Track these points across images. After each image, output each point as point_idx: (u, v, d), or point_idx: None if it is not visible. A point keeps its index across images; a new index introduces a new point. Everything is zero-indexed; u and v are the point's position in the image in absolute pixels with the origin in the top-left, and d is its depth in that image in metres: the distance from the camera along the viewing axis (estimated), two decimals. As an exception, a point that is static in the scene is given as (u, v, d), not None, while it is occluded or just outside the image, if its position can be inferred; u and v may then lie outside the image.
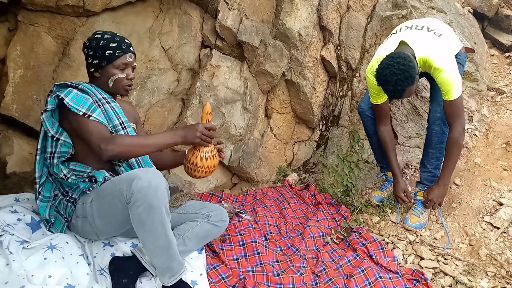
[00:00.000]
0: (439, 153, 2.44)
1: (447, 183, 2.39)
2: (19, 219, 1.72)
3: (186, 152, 1.84)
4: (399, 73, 2.03)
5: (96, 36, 1.83)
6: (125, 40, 1.86)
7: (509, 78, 3.88)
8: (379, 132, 2.54)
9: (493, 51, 4.31)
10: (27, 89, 2.36)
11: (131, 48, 1.86)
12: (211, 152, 1.79)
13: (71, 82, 1.77)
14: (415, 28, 2.36)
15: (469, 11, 4.24)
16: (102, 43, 1.79)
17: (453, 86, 2.16)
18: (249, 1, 2.96)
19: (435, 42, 2.27)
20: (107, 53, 1.78)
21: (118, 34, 1.87)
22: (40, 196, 1.76)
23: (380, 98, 2.41)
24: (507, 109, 3.48)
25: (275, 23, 3.03)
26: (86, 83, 1.84)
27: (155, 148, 1.72)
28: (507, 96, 3.62)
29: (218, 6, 2.88)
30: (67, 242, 1.65)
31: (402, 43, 2.28)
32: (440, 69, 2.17)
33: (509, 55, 4.17)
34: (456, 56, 2.33)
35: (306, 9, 3.06)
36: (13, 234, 1.60)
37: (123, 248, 1.81)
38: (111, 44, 1.79)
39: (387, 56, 2.15)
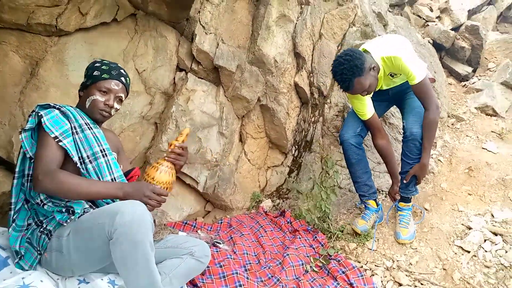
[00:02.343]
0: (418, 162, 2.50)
1: (428, 160, 2.47)
2: (-16, 257, 1.57)
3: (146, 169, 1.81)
4: (345, 63, 2.23)
5: (98, 59, 1.90)
6: (120, 70, 1.88)
7: (466, 106, 4.11)
8: (378, 147, 2.64)
9: (450, 80, 4.58)
10: (-9, 111, 2.21)
11: (121, 78, 1.86)
12: (170, 169, 1.73)
13: (54, 104, 1.73)
14: (374, 38, 2.60)
15: (428, 42, 4.50)
16: (96, 64, 1.85)
17: (415, 68, 2.30)
18: (225, 26, 2.96)
19: (389, 39, 2.46)
20: (95, 73, 1.81)
21: (119, 65, 1.91)
22: (13, 225, 1.63)
23: (366, 113, 2.52)
24: (466, 135, 3.67)
25: (251, 49, 3.04)
26: (71, 106, 1.77)
27: (93, 196, 1.60)
28: (466, 123, 3.83)
29: (194, 29, 2.85)
30: (41, 281, 1.52)
31: (363, 50, 2.44)
32: (398, 57, 2.30)
33: (465, 84, 4.43)
34: None
35: (281, 36, 3.10)
36: (-21, 275, 1.46)
37: (100, 284, 1.68)
38: (103, 67, 1.84)
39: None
